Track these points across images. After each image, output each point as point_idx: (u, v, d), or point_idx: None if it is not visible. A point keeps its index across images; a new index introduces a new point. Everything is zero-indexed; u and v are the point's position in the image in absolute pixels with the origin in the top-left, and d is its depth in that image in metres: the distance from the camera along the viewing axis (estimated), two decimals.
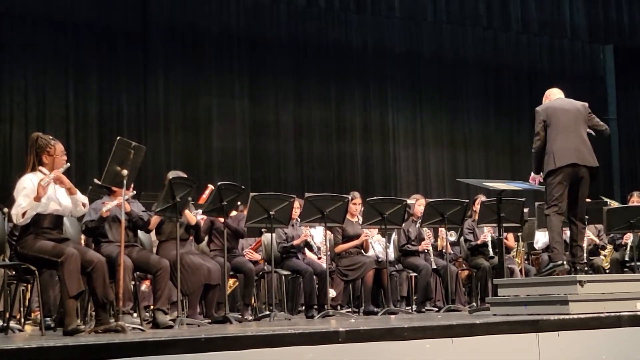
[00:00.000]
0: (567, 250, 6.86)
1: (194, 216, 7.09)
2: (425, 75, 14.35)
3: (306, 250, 8.55)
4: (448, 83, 14.46)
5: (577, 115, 6.62)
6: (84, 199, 5.66)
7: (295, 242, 8.26)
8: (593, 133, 6.76)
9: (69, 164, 5.57)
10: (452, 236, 9.40)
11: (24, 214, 5.29)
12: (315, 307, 7.93)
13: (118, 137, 5.85)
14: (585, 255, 8.22)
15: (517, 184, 8.16)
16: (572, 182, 6.51)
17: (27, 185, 5.33)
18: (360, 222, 8.22)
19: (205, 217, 7.36)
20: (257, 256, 8.20)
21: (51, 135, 5.65)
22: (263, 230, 7.92)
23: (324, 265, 8.01)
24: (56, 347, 3.73)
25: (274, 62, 12.99)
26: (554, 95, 6.87)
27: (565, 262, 6.40)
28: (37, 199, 5.28)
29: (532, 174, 6.88)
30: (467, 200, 8.78)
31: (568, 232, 7.17)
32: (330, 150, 13.38)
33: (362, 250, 8.45)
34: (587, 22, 14.28)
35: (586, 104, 6.75)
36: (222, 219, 7.25)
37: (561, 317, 5.11)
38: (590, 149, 6.58)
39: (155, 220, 6.76)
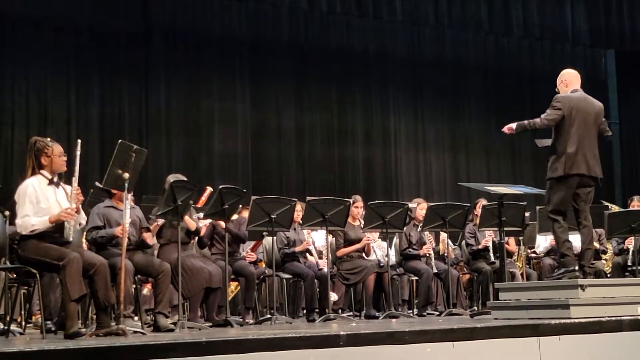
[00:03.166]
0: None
1: (195, 222, 7.09)
2: (427, 79, 14.35)
3: (307, 253, 8.56)
4: (450, 87, 14.46)
5: (594, 119, 6.39)
6: (83, 218, 5.75)
7: (297, 249, 8.27)
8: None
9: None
10: (456, 250, 9.44)
11: (32, 230, 5.32)
12: (317, 310, 7.94)
13: (120, 140, 5.85)
14: None
15: (518, 188, 8.17)
16: (578, 187, 6.40)
17: (30, 191, 5.35)
18: (362, 226, 8.22)
19: (208, 222, 7.37)
20: (254, 256, 8.19)
21: (52, 138, 5.66)
22: (264, 233, 7.92)
23: (325, 269, 8.01)
24: (57, 350, 3.74)
25: (275, 66, 12.99)
26: (572, 83, 6.49)
27: (577, 269, 6.25)
28: (52, 222, 5.32)
29: (512, 125, 6.61)
30: (468, 204, 8.76)
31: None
32: (331, 154, 13.37)
33: (364, 254, 8.45)
34: (589, 27, 14.27)
35: (602, 106, 6.51)
36: (223, 225, 7.25)
37: (562, 321, 5.12)
38: (598, 158, 6.39)
39: (154, 228, 6.80)
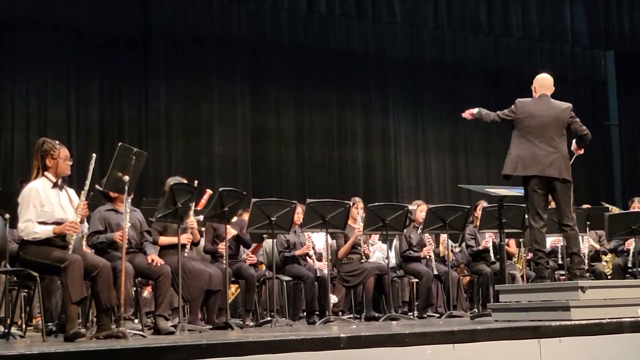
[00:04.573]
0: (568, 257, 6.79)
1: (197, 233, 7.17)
2: (426, 80, 14.36)
3: (307, 256, 8.56)
4: (449, 89, 14.45)
5: (552, 123, 6.43)
6: (86, 227, 5.78)
7: (296, 253, 8.26)
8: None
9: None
10: (456, 248, 9.43)
11: (35, 238, 5.33)
12: (317, 313, 7.93)
13: (120, 143, 5.85)
14: (586, 261, 8.22)
15: (518, 190, 8.15)
16: (547, 190, 6.43)
17: (33, 194, 5.35)
18: (361, 228, 8.21)
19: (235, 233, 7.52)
20: (254, 258, 8.20)
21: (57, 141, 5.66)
22: (264, 236, 7.93)
23: (325, 271, 8.01)
24: (57, 353, 3.73)
25: (275, 68, 13.00)
26: (541, 89, 6.68)
27: (547, 276, 6.38)
28: (55, 233, 5.34)
29: (474, 110, 7.02)
30: (468, 206, 8.77)
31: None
32: (331, 156, 13.38)
33: (364, 257, 8.46)
34: (588, 28, 14.28)
35: (569, 107, 6.53)
36: (235, 232, 7.32)
37: (563, 323, 5.12)
38: (562, 160, 6.36)
39: (162, 241, 6.89)
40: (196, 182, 7.20)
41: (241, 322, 7.36)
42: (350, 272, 8.26)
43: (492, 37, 14.58)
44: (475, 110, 6.92)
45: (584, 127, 6.60)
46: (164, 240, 6.90)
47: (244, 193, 7.38)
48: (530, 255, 9.51)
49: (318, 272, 8.19)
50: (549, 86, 6.69)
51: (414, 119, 14.22)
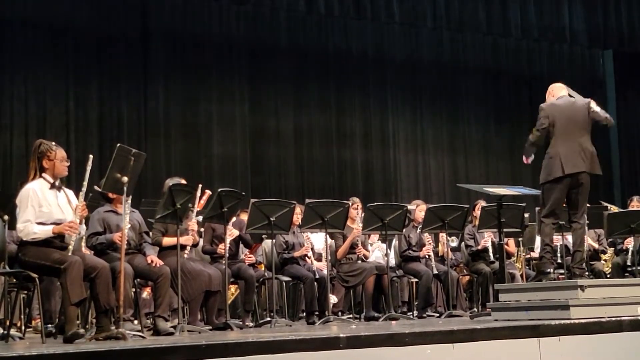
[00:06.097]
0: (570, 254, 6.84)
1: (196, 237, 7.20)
2: (425, 81, 14.36)
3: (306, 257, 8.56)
4: (448, 89, 14.46)
5: (580, 118, 6.62)
6: (83, 229, 5.81)
7: (295, 254, 8.26)
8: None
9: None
10: (453, 242, 9.40)
11: (34, 238, 5.33)
12: (316, 313, 7.93)
13: (118, 144, 5.85)
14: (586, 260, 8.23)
15: (517, 189, 8.17)
16: (571, 187, 6.54)
17: (31, 195, 5.35)
18: (360, 227, 8.21)
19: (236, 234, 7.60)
20: (253, 258, 8.21)
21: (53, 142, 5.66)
22: (264, 236, 7.92)
23: (325, 272, 8.01)
24: (56, 354, 3.73)
25: (274, 69, 12.99)
26: (558, 92, 6.82)
27: (552, 271, 6.44)
28: (54, 233, 5.36)
29: (524, 157, 6.98)
30: (467, 206, 8.77)
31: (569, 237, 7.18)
32: (330, 156, 13.37)
33: (363, 257, 8.47)
34: (587, 28, 14.28)
35: (588, 101, 6.71)
36: (237, 232, 7.43)
37: (562, 322, 5.12)
38: (593, 154, 6.57)
39: (166, 242, 6.91)
40: (200, 185, 7.24)
41: (241, 323, 7.37)
42: (350, 272, 8.26)
43: (490, 37, 14.57)
44: (525, 154, 7.00)
45: (602, 114, 6.75)
46: (167, 241, 6.91)
47: (243, 193, 7.38)
48: (529, 254, 9.57)
49: (317, 272, 8.19)
50: (563, 89, 6.86)
51: (412, 119, 14.21)
